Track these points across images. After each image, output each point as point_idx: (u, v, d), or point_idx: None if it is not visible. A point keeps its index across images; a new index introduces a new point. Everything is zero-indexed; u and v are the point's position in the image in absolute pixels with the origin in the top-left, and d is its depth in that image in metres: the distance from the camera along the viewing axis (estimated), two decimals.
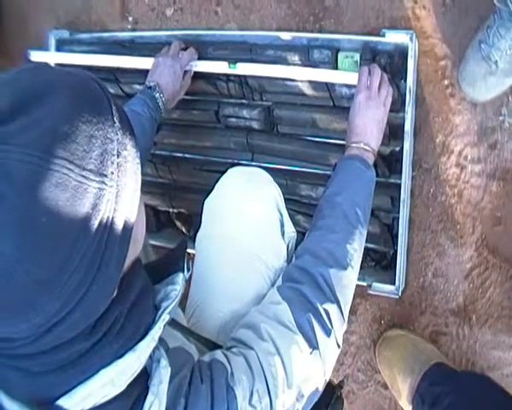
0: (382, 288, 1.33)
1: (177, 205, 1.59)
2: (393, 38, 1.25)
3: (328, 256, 0.91)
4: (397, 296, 1.33)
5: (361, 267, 1.38)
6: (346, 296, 0.91)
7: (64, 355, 0.59)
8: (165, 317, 0.69)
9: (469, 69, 1.20)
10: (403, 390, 1.33)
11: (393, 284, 1.32)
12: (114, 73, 1.54)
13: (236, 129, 1.47)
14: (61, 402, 0.58)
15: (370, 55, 1.27)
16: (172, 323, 0.85)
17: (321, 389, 0.84)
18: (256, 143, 1.45)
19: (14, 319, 0.52)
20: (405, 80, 1.25)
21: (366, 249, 1.39)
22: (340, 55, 1.30)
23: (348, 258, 0.93)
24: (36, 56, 1.55)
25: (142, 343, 0.64)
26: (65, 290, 0.52)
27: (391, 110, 1.29)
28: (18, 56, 1.79)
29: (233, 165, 1.50)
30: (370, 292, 1.35)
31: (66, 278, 0.52)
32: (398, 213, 1.30)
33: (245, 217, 0.98)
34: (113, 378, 0.61)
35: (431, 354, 1.34)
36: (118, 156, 0.55)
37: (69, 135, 0.52)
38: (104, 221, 0.53)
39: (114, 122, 0.56)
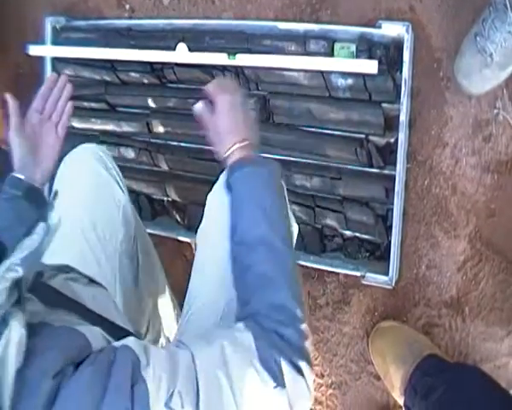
0: (376, 278, 1.34)
1: (171, 193, 1.59)
2: (389, 29, 1.25)
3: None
4: (390, 287, 1.34)
5: (355, 258, 1.41)
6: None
7: None
8: (14, 268, 0.60)
9: (465, 62, 1.20)
10: (395, 381, 1.33)
11: (387, 274, 1.33)
12: (111, 61, 1.54)
13: None
14: None
15: (366, 46, 1.27)
16: (72, 305, 0.84)
17: None
18: None
19: None
20: (401, 72, 1.25)
21: (360, 240, 1.41)
22: (337, 46, 1.30)
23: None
24: (34, 50, 1.55)
25: None
26: None
27: (387, 101, 1.29)
28: (14, 42, 1.79)
29: None
30: (364, 282, 1.36)
31: None
32: (393, 204, 1.30)
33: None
34: None
35: (424, 346, 1.35)
36: None
37: None
38: None
39: None
